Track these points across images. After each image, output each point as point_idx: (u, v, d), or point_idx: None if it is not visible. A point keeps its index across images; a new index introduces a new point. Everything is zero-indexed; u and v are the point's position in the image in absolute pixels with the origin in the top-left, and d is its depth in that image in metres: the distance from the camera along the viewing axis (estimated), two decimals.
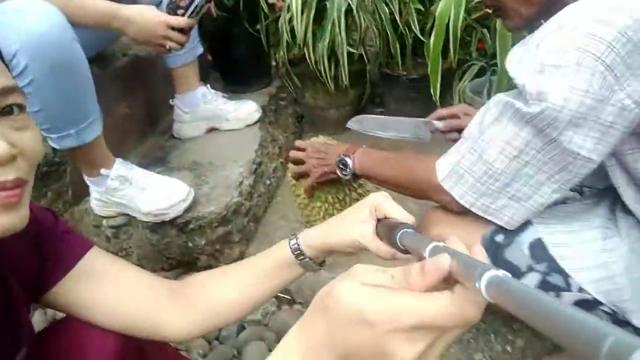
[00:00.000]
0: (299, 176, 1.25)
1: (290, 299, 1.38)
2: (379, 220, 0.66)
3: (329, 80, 1.92)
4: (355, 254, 0.71)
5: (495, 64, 1.76)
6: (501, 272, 0.29)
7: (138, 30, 1.41)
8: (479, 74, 1.89)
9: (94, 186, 1.39)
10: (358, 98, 2.15)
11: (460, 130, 1.19)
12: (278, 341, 1.58)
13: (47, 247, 0.68)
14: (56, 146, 1.25)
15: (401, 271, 0.37)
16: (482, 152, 0.81)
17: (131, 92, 1.80)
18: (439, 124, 1.22)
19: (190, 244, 1.44)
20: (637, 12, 0.65)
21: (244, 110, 1.88)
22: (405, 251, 0.53)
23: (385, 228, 0.62)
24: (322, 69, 1.89)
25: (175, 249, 1.45)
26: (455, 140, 1.23)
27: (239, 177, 1.57)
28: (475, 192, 0.83)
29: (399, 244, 0.53)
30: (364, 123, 1.28)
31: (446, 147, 0.92)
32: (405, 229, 0.53)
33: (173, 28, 1.43)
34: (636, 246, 0.84)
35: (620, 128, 0.70)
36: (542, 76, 0.71)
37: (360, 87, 2.13)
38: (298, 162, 1.23)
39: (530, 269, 0.87)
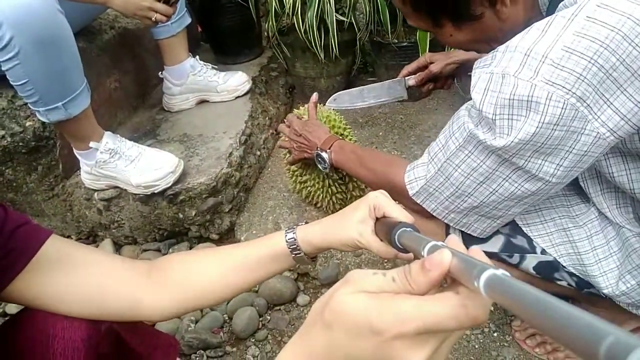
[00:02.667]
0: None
1: None
2: (377, 219, 0.66)
3: (319, 50, 1.91)
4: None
5: None
6: (500, 272, 0.29)
7: (123, 3, 1.41)
8: None
9: (83, 159, 1.40)
10: (349, 67, 2.14)
11: (432, 80, 1.20)
12: (268, 307, 1.59)
13: None
14: (44, 119, 1.26)
15: (402, 272, 0.36)
16: (449, 176, 0.80)
17: (120, 66, 1.79)
18: (411, 80, 1.22)
19: (180, 215, 1.46)
20: (604, 37, 0.60)
21: (234, 82, 1.88)
22: (404, 250, 0.53)
23: (384, 227, 0.61)
24: (311, 38, 1.87)
25: (166, 220, 1.47)
26: (431, 91, 1.23)
27: (228, 148, 1.58)
28: (445, 208, 0.84)
29: (397, 243, 0.53)
30: (342, 99, 1.29)
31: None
32: (404, 228, 0.53)
33: (158, 0, 1.43)
34: (598, 215, 0.85)
35: (594, 155, 0.68)
36: (510, 110, 0.67)
37: (351, 56, 2.11)
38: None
39: (497, 231, 0.89)
